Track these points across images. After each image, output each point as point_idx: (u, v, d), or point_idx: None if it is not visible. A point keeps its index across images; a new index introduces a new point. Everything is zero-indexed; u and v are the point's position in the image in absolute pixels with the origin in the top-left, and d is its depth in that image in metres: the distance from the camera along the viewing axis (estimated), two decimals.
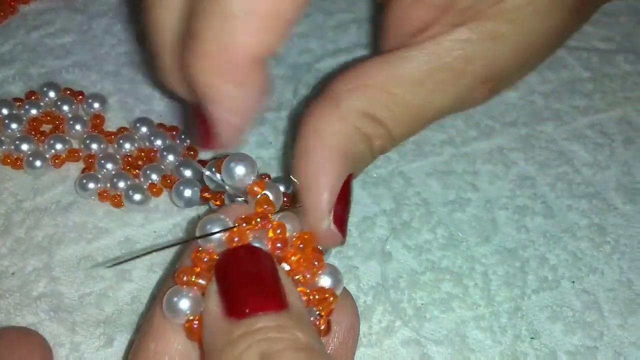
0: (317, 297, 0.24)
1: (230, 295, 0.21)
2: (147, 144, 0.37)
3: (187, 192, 0.33)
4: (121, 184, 0.35)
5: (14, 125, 0.36)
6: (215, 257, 0.24)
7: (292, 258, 0.25)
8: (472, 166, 0.38)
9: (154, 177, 0.35)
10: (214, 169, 0.28)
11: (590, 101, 0.43)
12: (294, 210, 0.27)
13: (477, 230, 0.35)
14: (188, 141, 0.37)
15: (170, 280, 0.25)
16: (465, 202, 0.37)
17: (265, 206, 0.25)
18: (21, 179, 0.36)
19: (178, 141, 0.37)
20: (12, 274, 0.32)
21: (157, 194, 0.35)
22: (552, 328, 0.32)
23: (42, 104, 0.38)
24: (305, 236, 0.26)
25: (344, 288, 0.27)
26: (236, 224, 0.24)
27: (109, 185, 0.35)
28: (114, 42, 0.43)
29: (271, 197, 0.26)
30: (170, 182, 0.35)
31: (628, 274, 0.34)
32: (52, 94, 0.38)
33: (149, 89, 0.41)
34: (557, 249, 0.35)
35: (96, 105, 0.39)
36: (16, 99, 0.38)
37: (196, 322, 0.23)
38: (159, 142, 0.37)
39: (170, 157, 0.36)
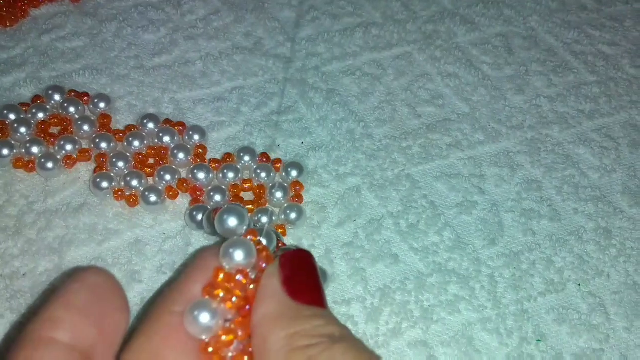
0: None
1: (297, 282, 0.24)
2: (156, 140, 0.37)
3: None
4: (134, 183, 0.35)
5: (23, 129, 0.37)
6: (236, 279, 0.24)
7: None
8: (479, 169, 0.39)
9: (168, 177, 0.36)
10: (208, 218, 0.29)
11: (596, 105, 0.43)
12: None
13: (483, 233, 0.36)
14: (196, 137, 0.38)
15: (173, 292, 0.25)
16: (472, 205, 0.37)
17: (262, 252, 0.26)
18: (32, 181, 0.36)
19: (186, 137, 0.38)
20: (24, 274, 0.32)
21: (174, 197, 0.36)
22: (559, 330, 0.32)
23: (48, 107, 0.38)
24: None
25: None
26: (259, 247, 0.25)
27: (122, 183, 0.35)
28: (124, 46, 0.44)
29: (264, 242, 0.27)
30: (187, 186, 0.36)
31: (634, 277, 0.34)
32: (57, 97, 0.39)
33: (158, 92, 0.41)
34: (564, 252, 0.35)
35: (102, 105, 0.39)
36: (22, 104, 0.38)
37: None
38: (167, 139, 0.37)
39: (181, 156, 0.37)
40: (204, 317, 0.23)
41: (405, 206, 0.36)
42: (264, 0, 0.48)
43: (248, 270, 0.24)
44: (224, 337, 0.23)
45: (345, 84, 0.43)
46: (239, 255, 0.24)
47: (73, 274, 0.23)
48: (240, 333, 0.23)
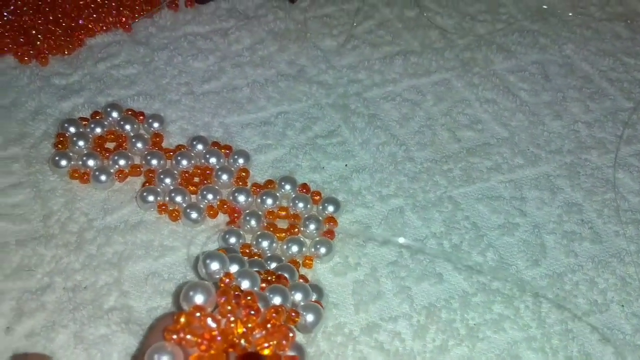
0: None
1: None
2: (203, 161, 0.39)
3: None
4: (178, 199, 0.37)
5: (80, 143, 0.39)
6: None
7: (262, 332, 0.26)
8: (520, 192, 0.40)
9: (210, 197, 0.37)
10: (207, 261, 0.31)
11: (634, 130, 0.44)
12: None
13: (526, 254, 0.36)
14: (241, 161, 0.39)
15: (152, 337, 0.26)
16: (514, 226, 0.38)
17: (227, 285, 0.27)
18: (91, 199, 0.38)
19: (231, 160, 0.39)
20: (85, 287, 0.34)
21: (214, 216, 0.37)
22: (604, 350, 0.33)
23: (105, 123, 0.41)
24: (276, 312, 0.27)
25: None
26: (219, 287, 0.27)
27: (167, 199, 0.37)
28: (175, 73, 0.46)
29: (248, 284, 0.29)
30: (227, 207, 0.37)
31: None
32: (115, 114, 0.41)
33: (208, 116, 0.43)
34: (606, 273, 0.36)
35: (156, 125, 0.41)
36: (82, 119, 0.41)
37: None
38: (213, 160, 0.39)
39: (224, 177, 0.38)
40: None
41: (447, 227, 0.37)
42: (306, 30, 0.50)
43: (208, 308, 0.26)
44: None
45: (385, 109, 0.45)
46: (197, 297, 0.26)
47: None
48: None
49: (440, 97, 0.46)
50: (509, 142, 0.43)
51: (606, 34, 0.52)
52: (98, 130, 0.40)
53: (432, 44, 0.50)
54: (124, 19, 0.48)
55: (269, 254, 0.35)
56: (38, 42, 0.46)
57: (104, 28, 0.49)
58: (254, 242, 0.35)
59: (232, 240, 0.36)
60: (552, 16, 0.53)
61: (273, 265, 0.34)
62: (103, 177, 0.38)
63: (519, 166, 0.41)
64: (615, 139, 0.43)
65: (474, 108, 0.45)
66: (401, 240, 0.34)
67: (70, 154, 0.39)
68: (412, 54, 0.49)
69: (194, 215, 0.37)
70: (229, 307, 0.26)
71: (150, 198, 0.37)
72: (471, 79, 0.47)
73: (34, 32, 0.46)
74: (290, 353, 0.27)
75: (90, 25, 0.48)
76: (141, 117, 0.42)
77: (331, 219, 0.37)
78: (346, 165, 0.41)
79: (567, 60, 0.49)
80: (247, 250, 0.35)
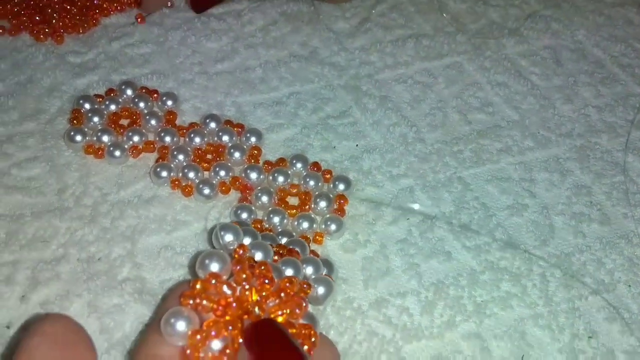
0: (303, 332, 0.26)
1: (267, 355, 0.24)
2: (216, 139, 0.40)
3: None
4: (191, 175, 0.38)
5: (95, 119, 0.40)
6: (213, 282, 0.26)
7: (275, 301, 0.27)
8: (529, 174, 0.40)
9: (222, 173, 0.38)
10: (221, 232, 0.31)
11: None
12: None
13: (534, 234, 0.37)
14: (253, 139, 0.40)
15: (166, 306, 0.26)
16: (523, 207, 0.38)
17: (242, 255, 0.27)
18: (106, 174, 0.38)
19: (244, 138, 0.40)
20: (99, 259, 0.34)
21: (226, 192, 0.38)
22: (610, 328, 0.33)
23: (120, 100, 0.41)
24: (289, 281, 0.27)
25: (325, 335, 0.28)
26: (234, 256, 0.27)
27: (180, 174, 0.38)
28: (189, 53, 0.46)
29: (261, 255, 0.29)
30: (239, 184, 0.38)
31: None
32: (129, 92, 0.42)
33: (221, 95, 0.43)
34: (614, 254, 0.36)
35: (169, 102, 0.42)
36: (97, 95, 0.41)
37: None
38: (226, 138, 0.40)
39: (237, 155, 0.39)
40: (180, 325, 0.24)
41: (457, 207, 0.38)
42: (319, 12, 0.50)
43: (223, 276, 0.26)
44: (198, 337, 0.24)
45: (397, 91, 0.45)
46: (213, 265, 0.26)
47: (31, 327, 0.23)
48: (213, 333, 0.24)
49: (452, 80, 0.46)
50: (520, 125, 0.43)
51: (618, 20, 0.52)
52: (112, 107, 0.41)
53: (444, 27, 0.50)
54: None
55: (280, 230, 0.36)
56: (54, 21, 0.47)
57: (119, 8, 0.49)
58: (266, 218, 0.36)
59: (244, 215, 0.36)
60: (564, 2, 0.53)
61: (284, 240, 0.35)
62: (117, 153, 0.39)
63: (529, 149, 0.41)
64: (626, 124, 0.43)
65: (485, 91, 0.45)
66: (416, 206, 0.34)
67: (85, 130, 0.39)
68: (425, 37, 0.49)
69: (206, 191, 0.37)
70: (244, 276, 0.27)
71: (164, 174, 0.38)
72: (483, 63, 0.47)
73: (49, 10, 0.47)
74: (303, 322, 0.27)
75: (105, 5, 0.49)
76: (155, 95, 0.42)
77: (342, 197, 0.38)
78: (357, 145, 0.41)
79: (579, 45, 0.49)
80: (259, 226, 0.36)
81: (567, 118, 0.44)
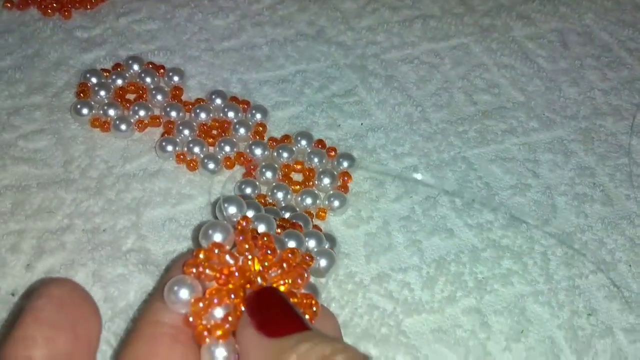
0: (305, 301, 0.27)
1: (269, 321, 0.24)
2: (221, 114, 0.40)
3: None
4: (196, 149, 0.38)
5: (102, 93, 0.40)
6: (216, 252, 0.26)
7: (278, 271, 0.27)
8: (533, 155, 0.40)
9: (227, 149, 0.38)
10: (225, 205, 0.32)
11: None
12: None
13: (537, 214, 0.37)
14: (258, 116, 0.40)
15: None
16: (526, 187, 0.38)
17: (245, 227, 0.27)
18: (111, 147, 0.39)
19: (249, 115, 0.40)
20: (104, 230, 0.35)
21: (230, 167, 0.38)
22: (609, 307, 0.33)
23: (127, 75, 0.41)
24: (292, 252, 0.27)
25: (325, 307, 0.28)
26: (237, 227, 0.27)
27: (185, 149, 0.38)
28: (195, 30, 0.46)
29: (264, 228, 0.29)
30: (244, 159, 0.38)
31: None
32: (136, 67, 0.42)
33: (227, 73, 0.44)
34: (615, 234, 0.36)
35: (176, 78, 0.42)
36: (104, 70, 0.42)
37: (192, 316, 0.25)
38: (231, 114, 0.40)
39: (242, 131, 0.39)
40: (183, 293, 0.25)
41: (460, 186, 0.38)
42: None
43: (226, 246, 0.26)
44: (201, 305, 0.24)
45: (403, 71, 0.45)
46: (216, 235, 0.26)
47: (38, 289, 0.23)
48: (216, 301, 0.25)
49: (458, 61, 0.46)
50: (525, 106, 0.43)
51: (627, 4, 0.52)
52: (119, 81, 0.41)
53: (451, 9, 0.50)
54: None
55: (283, 205, 0.36)
56: None
57: None
58: (269, 193, 0.36)
59: (248, 190, 0.36)
60: None
61: (287, 214, 0.35)
62: (123, 127, 0.39)
63: (533, 130, 0.41)
64: (631, 107, 0.43)
65: (491, 73, 0.45)
66: (418, 176, 0.34)
67: (92, 103, 0.40)
68: (432, 18, 0.49)
69: (211, 165, 0.37)
70: (247, 246, 0.27)
71: (169, 148, 0.38)
72: (489, 45, 0.47)
73: None
74: (305, 292, 0.27)
75: None
76: (162, 71, 0.42)
77: (345, 174, 0.38)
78: (362, 124, 0.41)
79: (587, 29, 0.49)
80: (263, 201, 0.36)
81: (572, 100, 0.44)
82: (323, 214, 0.36)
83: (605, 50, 0.48)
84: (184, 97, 0.42)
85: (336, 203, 0.36)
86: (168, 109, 0.40)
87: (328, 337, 0.22)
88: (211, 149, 0.39)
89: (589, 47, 0.48)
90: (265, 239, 0.27)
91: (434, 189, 0.38)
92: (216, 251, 0.26)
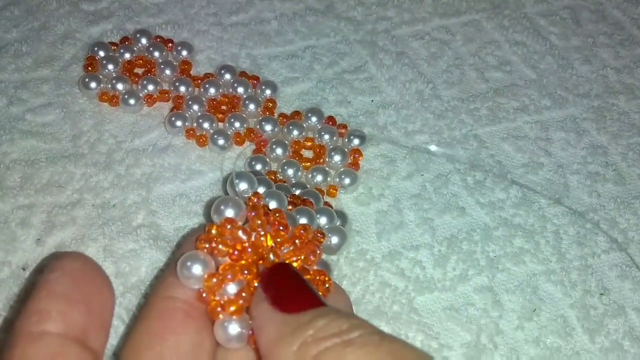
0: (317, 277, 0.26)
1: (284, 296, 0.24)
2: (231, 90, 0.39)
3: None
4: (206, 125, 0.37)
5: (110, 66, 0.39)
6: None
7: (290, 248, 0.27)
8: (545, 133, 0.40)
9: (237, 125, 0.38)
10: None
11: None
12: None
13: (549, 192, 0.37)
14: (268, 92, 0.40)
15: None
16: (538, 166, 0.38)
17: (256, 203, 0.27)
18: (120, 122, 0.38)
19: (259, 91, 0.40)
20: (114, 205, 0.34)
21: (240, 143, 0.38)
22: (621, 286, 0.33)
23: (135, 48, 0.41)
24: (304, 229, 0.27)
25: (337, 284, 0.28)
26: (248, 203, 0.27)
27: (195, 124, 0.38)
28: (204, 4, 0.46)
29: (276, 204, 0.30)
30: (254, 135, 0.38)
31: None
32: (144, 41, 0.41)
33: (236, 47, 0.43)
34: (628, 213, 0.36)
35: (184, 52, 0.41)
36: (112, 43, 0.41)
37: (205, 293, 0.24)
38: (241, 90, 0.39)
39: (252, 107, 0.39)
40: (196, 268, 0.24)
41: (472, 164, 0.38)
42: None
43: (238, 222, 0.26)
44: (214, 280, 0.24)
45: (414, 48, 0.44)
46: (228, 211, 0.26)
47: (51, 263, 0.23)
48: (229, 276, 0.24)
49: (470, 37, 0.45)
50: (537, 84, 0.42)
51: None
52: (127, 55, 0.41)
53: None
54: None
55: (294, 182, 0.36)
56: None
57: None
58: (280, 170, 0.36)
59: (258, 166, 0.36)
60: None
61: (298, 191, 0.35)
62: (132, 101, 0.38)
63: (545, 108, 0.41)
64: None
65: (503, 50, 0.45)
66: (433, 147, 0.34)
67: (100, 77, 0.39)
68: None
69: (221, 141, 0.37)
70: (259, 222, 0.27)
71: (179, 123, 0.38)
72: (501, 21, 0.46)
73: None
74: (317, 268, 0.27)
75: None
76: (170, 45, 0.42)
77: (356, 151, 0.37)
78: (372, 100, 0.41)
79: (599, 6, 0.49)
80: (273, 177, 0.36)
81: (585, 79, 0.43)
82: (334, 191, 0.36)
83: (617, 28, 0.47)
84: (192, 72, 0.41)
85: (347, 180, 0.36)
86: (177, 84, 0.39)
87: (344, 313, 0.22)
88: (221, 124, 0.38)
89: (602, 25, 0.47)
90: (277, 215, 0.27)
91: (445, 167, 0.37)
92: (228, 227, 0.26)
